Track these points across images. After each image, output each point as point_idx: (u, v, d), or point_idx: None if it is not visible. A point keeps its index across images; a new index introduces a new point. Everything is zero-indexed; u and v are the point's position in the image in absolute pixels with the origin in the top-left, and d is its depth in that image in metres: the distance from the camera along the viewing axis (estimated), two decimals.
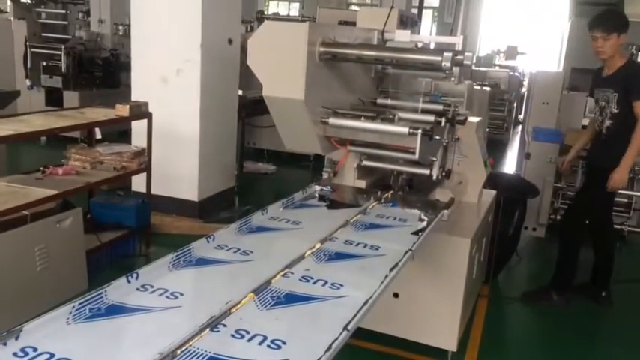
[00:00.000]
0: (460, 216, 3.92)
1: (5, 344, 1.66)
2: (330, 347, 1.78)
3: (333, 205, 3.43)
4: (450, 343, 3.82)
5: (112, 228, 5.23)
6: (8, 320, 3.72)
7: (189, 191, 6.25)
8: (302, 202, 3.41)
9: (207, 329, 1.89)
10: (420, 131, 3.06)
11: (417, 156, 3.13)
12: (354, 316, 1.99)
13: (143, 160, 5.27)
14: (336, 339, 1.83)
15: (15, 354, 1.64)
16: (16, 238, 3.98)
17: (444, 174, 3.64)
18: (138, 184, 6.01)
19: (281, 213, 3.18)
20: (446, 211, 3.36)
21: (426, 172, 3.58)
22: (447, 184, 3.91)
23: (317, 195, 3.57)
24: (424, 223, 3.13)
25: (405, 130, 3.08)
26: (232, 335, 1.86)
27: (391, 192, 3.69)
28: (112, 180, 5.10)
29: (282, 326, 1.96)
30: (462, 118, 3.75)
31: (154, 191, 5.55)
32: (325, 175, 3.85)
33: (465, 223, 3.88)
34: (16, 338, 1.69)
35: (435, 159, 3.48)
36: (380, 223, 3.14)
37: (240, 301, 2.09)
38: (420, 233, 2.94)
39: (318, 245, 2.72)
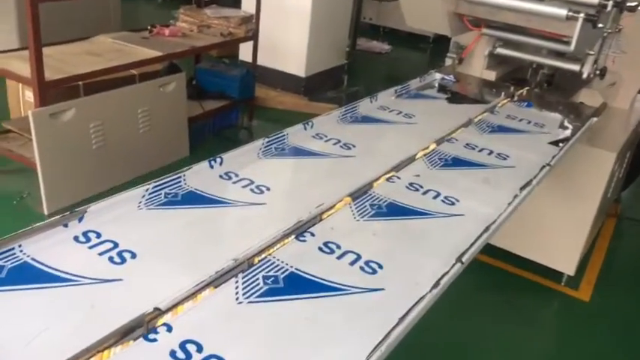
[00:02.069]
0: (606, 124, 3.25)
1: (67, 226, 1.46)
2: (437, 283, 1.42)
3: (455, 98, 2.91)
4: (568, 267, 3.38)
5: (216, 97, 5.05)
6: (110, 180, 3.75)
7: (296, 66, 5.89)
8: (418, 92, 2.93)
9: (292, 237, 1.59)
10: (582, 15, 2.40)
11: (572, 46, 2.50)
12: (471, 245, 1.60)
13: (251, 28, 4.92)
14: (447, 273, 1.47)
15: (76, 238, 1.44)
16: (120, 98, 3.88)
17: (597, 72, 2.95)
18: (245, 53, 5.75)
19: (393, 102, 2.74)
20: (595, 119, 2.75)
21: (576, 67, 2.92)
22: (595, 85, 3.22)
23: (437, 84, 3.06)
24: (567, 132, 2.56)
25: (563, 12, 2.43)
26: (320, 249, 1.55)
27: (527, 88, 3.09)
28: (218, 46, 4.84)
29: (381, 245, 1.62)
30: (634, 4, 2.96)
31: (260, 62, 5.27)
32: (449, 62, 3.31)
33: (610, 134, 3.23)
34: (80, 220, 1.49)
35: (591, 52, 2.80)
36: (510, 125, 2.61)
37: (333, 206, 1.76)
38: (560, 144, 2.40)
39: (432, 146, 2.29)
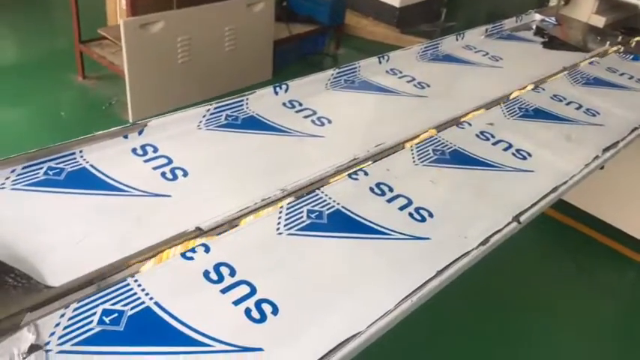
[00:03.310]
0: None
1: (127, 137, 1.51)
2: (486, 240, 1.35)
3: (552, 43, 2.67)
4: None
5: (305, 21, 4.95)
6: (194, 95, 3.84)
7: None
8: (512, 33, 2.71)
9: (345, 173, 1.55)
10: None
11: None
12: (533, 205, 1.49)
13: None
14: (499, 231, 1.39)
15: (134, 150, 1.49)
16: (207, 14, 3.90)
17: None
18: None
19: (481, 42, 2.55)
20: None
21: None
22: None
23: (534, 26, 2.81)
24: None
25: None
26: (371, 189, 1.51)
27: (637, 39, 2.77)
28: None
29: (436, 193, 1.54)
30: None
31: None
32: (554, 1, 3.01)
33: None
34: (140, 133, 1.53)
35: None
36: (609, 79, 2.37)
37: (393, 147, 1.70)
38: None
39: (516, 93, 2.13)
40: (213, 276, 1.15)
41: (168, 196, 1.35)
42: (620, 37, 2.77)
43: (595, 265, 3.22)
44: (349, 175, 1.55)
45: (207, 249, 1.21)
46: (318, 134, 1.72)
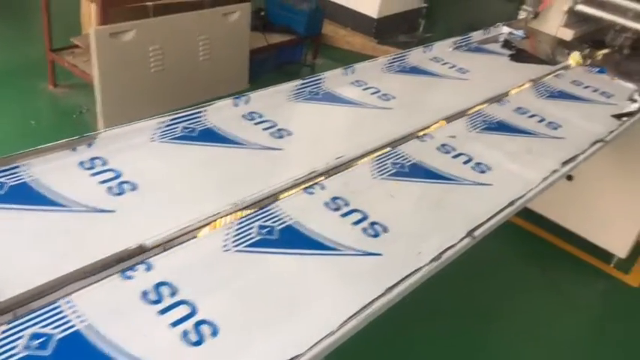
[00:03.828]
0: None
1: (75, 150, 1.47)
2: (438, 256, 1.33)
3: (520, 55, 2.68)
4: (621, 248, 3.15)
5: (282, 31, 4.95)
6: (167, 104, 3.79)
7: (369, 5, 5.64)
8: (480, 45, 2.71)
9: (301, 187, 1.53)
10: None
11: None
12: (487, 220, 1.48)
13: None
14: (452, 246, 1.37)
15: (81, 163, 1.45)
16: (181, 24, 3.87)
17: None
18: None
19: (449, 54, 2.55)
20: None
21: None
22: None
23: (502, 39, 2.82)
24: (635, 106, 2.30)
25: None
26: (326, 204, 1.48)
27: (604, 52, 2.79)
28: None
29: (393, 207, 1.52)
30: None
31: None
32: (522, 15, 3.03)
33: None
34: (89, 145, 1.49)
35: None
36: (573, 92, 2.38)
37: (352, 160, 1.68)
38: (623, 119, 2.16)
39: (480, 106, 2.13)
40: (153, 296, 1.11)
41: (112, 211, 1.31)
42: (587, 50, 2.79)
43: (562, 274, 3.24)
44: (305, 189, 1.53)
45: (148, 267, 1.18)
46: (277, 147, 1.69)
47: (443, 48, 2.57)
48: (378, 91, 2.12)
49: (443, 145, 1.84)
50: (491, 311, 2.86)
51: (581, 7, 2.88)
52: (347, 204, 1.49)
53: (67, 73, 4.03)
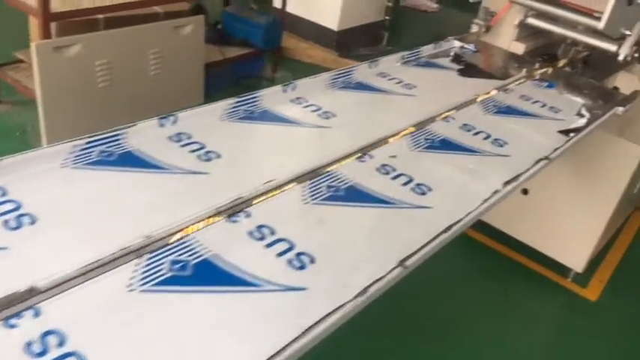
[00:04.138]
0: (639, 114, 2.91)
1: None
2: (364, 291, 1.24)
3: (469, 70, 2.62)
4: (577, 262, 3.12)
5: (240, 44, 4.85)
6: (116, 121, 3.65)
7: (329, 18, 5.59)
8: (429, 60, 2.66)
9: (223, 215, 1.42)
10: None
11: (602, 24, 2.18)
12: (420, 249, 1.39)
13: None
14: (381, 278, 1.28)
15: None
16: (130, 37, 3.73)
17: (636, 55, 2.60)
18: None
19: (396, 69, 2.48)
20: (621, 108, 2.42)
21: (612, 47, 2.58)
22: (636, 69, 2.87)
23: (453, 53, 2.77)
24: (582, 121, 2.26)
25: None
26: (250, 233, 1.38)
27: (553, 66, 2.76)
28: None
29: (323, 235, 1.42)
30: None
31: (293, 11, 5.03)
32: (474, 29, 2.99)
33: None
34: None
35: (628, 33, 2.44)
36: (521, 107, 2.33)
37: (283, 184, 1.58)
38: (570, 134, 2.12)
39: (423, 123, 2.05)
40: (37, 347, 0.99)
41: (4, 248, 1.18)
42: (538, 64, 2.76)
43: (520, 288, 3.19)
44: (228, 217, 1.42)
45: (36, 313, 1.06)
46: (202, 171, 1.59)
47: (390, 63, 2.50)
48: (319, 109, 2.04)
49: (383, 166, 1.75)
50: (446, 327, 2.79)
51: (532, 21, 2.85)
52: (273, 232, 1.39)
53: (10, 89, 3.86)
